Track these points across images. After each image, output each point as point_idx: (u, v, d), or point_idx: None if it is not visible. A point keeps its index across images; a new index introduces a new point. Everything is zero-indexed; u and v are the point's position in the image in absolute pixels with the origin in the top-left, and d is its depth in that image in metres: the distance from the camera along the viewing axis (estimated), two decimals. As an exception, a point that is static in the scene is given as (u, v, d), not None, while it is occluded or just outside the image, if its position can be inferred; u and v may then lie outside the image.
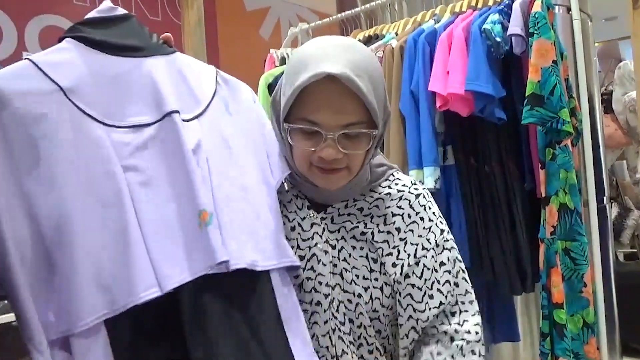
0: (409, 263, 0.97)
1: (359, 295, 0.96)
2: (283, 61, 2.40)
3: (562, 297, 1.64)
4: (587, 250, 1.69)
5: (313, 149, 0.90)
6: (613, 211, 3.15)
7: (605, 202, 2.08)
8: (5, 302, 2.02)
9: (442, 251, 0.99)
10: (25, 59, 0.75)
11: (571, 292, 1.68)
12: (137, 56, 0.82)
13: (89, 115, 0.75)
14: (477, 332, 0.96)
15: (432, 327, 0.96)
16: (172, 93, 0.82)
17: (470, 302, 0.98)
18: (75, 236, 0.70)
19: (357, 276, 0.97)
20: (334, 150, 0.89)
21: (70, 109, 0.73)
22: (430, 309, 0.96)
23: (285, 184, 1.01)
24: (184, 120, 0.82)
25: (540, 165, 1.67)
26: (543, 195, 1.67)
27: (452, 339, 0.94)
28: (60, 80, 0.74)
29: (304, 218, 0.99)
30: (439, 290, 0.96)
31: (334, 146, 0.88)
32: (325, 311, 0.94)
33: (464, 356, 0.93)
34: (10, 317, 2.03)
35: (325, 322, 0.94)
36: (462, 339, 0.94)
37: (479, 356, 0.95)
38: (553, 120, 1.58)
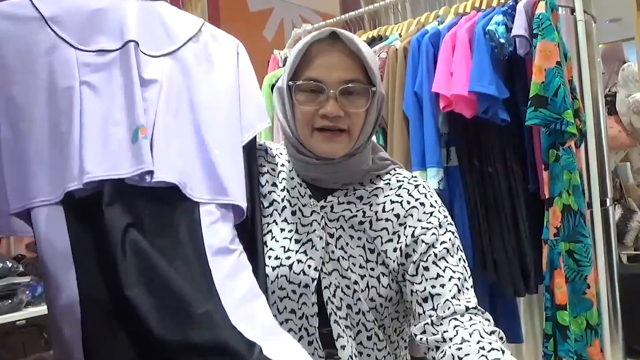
0: (406, 243, 0.99)
1: (355, 282, 0.99)
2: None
3: (566, 299, 1.64)
4: (590, 251, 1.69)
5: (316, 108, 0.98)
6: (616, 213, 3.15)
7: (608, 203, 2.08)
8: (8, 301, 2.03)
9: (445, 232, 1.00)
10: None
11: (574, 293, 1.68)
12: None
13: (62, 39, 0.89)
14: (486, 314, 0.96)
15: (448, 307, 0.94)
16: (135, 28, 0.93)
17: (467, 288, 0.97)
18: (31, 134, 0.86)
19: (354, 264, 1.00)
20: (336, 106, 0.97)
21: (48, 33, 0.89)
22: (427, 280, 0.96)
23: (292, 171, 1.07)
24: (148, 55, 0.93)
25: (543, 167, 1.67)
26: (546, 196, 1.67)
27: (470, 317, 0.92)
28: (44, 10, 0.89)
29: (305, 205, 1.04)
30: (434, 263, 0.97)
31: (335, 103, 0.97)
32: (312, 293, 0.98)
33: (489, 334, 0.90)
34: (12, 316, 2.03)
35: (313, 304, 0.98)
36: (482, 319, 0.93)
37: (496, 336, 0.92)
38: (557, 122, 1.58)
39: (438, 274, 0.96)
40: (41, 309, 2.08)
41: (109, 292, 0.82)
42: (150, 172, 0.86)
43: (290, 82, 1.00)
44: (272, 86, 2.20)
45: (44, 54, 0.88)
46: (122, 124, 0.88)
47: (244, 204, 0.96)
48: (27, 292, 2.10)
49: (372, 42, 2.20)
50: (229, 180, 0.95)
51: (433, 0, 2.22)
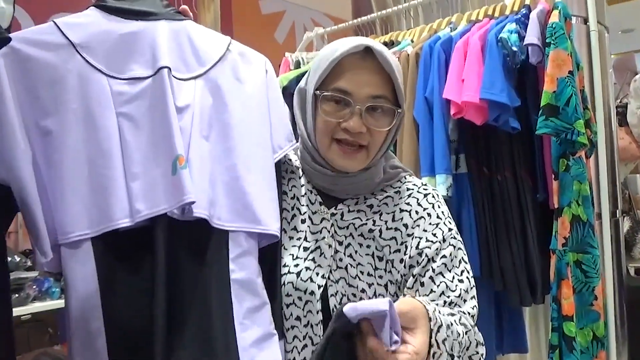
0: (410, 255, 0.99)
1: (363, 290, 0.99)
2: (298, 65, 2.40)
3: (573, 310, 1.63)
4: (598, 263, 1.68)
5: (340, 120, 0.97)
6: (624, 225, 3.12)
7: (617, 215, 2.07)
8: (15, 296, 2.04)
9: (448, 246, 1.00)
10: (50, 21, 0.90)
11: (581, 304, 1.67)
12: (147, 20, 0.93)
13: (93, 67, 0.87)
14: (472, 316, 0.96)
15: None
16: (168, 52, 0.91)
17: (464, 300, 0.97)
18: (68, 164, 0.84)
19: (362, 272, 1.00)
20: (359, 122, 0.96)
21: (78, 60, 0.87)
22: (420, 296, 0.96)
23: (302, 178, 1.06)
24: (179, 79, 0.92)
25: (553, 176, 1.67)
26: (556, 206, 1.66)
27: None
28: (72, 37, 0.87)
29: (315, 212, 1.04)
30: (430, 278, 0.97)
31: (359, 119, 0.96)
32: (317, 301, 0.97)
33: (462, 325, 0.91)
34: (18, 311, 2.04)
35: (318, 312, 0.97)
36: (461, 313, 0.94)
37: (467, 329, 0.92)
38: (568, 131, 1.58)
39: (431, 289, 0.96)
40: (47, 304, 2.09)
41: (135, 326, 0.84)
42: (191, 202, 0.85)
43: (317, 91, 0.99)
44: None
45: (76, 83, 0.85)
46: (162, 156, 0.87)
47: (277, 231, 0.95)
48: (34, 286, 2.11)
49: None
50: (261, 207, 0.94)
51: (446, 6, 2.22)
